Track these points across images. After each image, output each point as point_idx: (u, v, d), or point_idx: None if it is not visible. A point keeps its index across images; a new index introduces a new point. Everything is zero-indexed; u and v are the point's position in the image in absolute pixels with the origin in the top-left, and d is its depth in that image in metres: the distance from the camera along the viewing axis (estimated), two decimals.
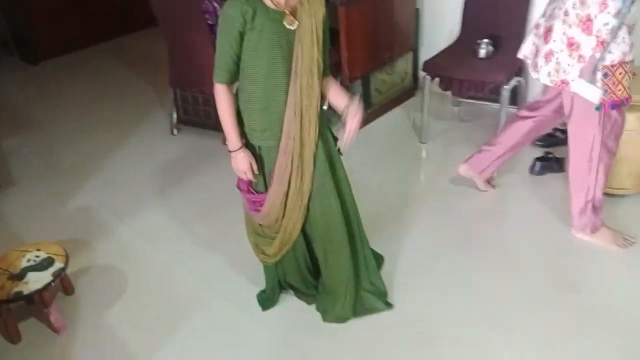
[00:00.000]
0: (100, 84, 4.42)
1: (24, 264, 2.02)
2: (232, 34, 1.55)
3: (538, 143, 2.97)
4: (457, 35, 3.14)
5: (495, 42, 2.83)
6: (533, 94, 3.19)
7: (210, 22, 3.11)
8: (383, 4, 3.09)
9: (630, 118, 2.28)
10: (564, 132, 2.89)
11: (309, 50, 1.59)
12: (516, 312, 2.03)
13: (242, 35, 1.55)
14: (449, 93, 3.31)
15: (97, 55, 5.04)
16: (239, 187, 1.84)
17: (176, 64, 3.26)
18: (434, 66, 2.88)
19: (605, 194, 2.47)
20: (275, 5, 1.55)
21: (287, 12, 1.56)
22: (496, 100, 3.14)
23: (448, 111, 3.43)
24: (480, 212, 2.57)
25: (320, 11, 1.60)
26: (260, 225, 1.89)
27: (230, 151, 1.74)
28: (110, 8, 5.25)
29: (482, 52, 2.80)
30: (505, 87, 2.70)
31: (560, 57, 2.06)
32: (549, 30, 2.09)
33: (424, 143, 3.10)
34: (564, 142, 2.88)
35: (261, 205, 1.80)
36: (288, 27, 1.57)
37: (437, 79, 2.93)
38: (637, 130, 2.31)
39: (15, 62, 5.00)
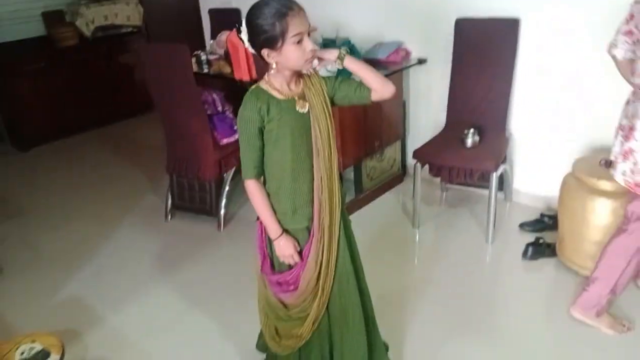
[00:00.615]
0: (92, 170, 4.47)
1: (17, 357, 1.95)
2: (253, 132, 1.62)
3: (526, 228, 3.06)
4: (441, 125, 3.31)
5: (480, 131, 2.99)
6: (517, 180, 3.34)
7: (209, 112, 3.24)
8: None
9: (616, 205, 2.39)
10: (551, 217, 3.02)
11: (325, 127, 1.68)
12: None
13: (261, 130, 1.63)
14: (436, 179, 3.45)
15: (89, 142, 5.14)
16: (264, 272, 1.85)
17: (174, 150, 3.33)
18: (424, 154, 3.01)
19: None
20: (284, 95, 1.64)
21: (297, 98, 1.66)
22: (481, 186, 3.28)
23: (436, 196, 3.53)
24: (478, 298, 2.58)
25: (323, 86, 1.71)
26: (286, 308, 1.86)
27: (273, 240, 1.75)
28: (102, 96, 5.42)
29: (469, 142, 2.94)
30: (494, 174, 2.82)
31: (639, 157, 2.02)
32: (631, 129, 2.06)
33: (417, 228, 3.17)
34: (551, 227, 3.00)
35: (292, 284, 1.80)
36: (301, 111, 1.66)
37: (426, 166, 3.05)
38: (617, 217, 2.39)
39: (7, 149, 5.04)
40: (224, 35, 3.70)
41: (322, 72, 3.07)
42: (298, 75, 1.67)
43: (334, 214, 1.76)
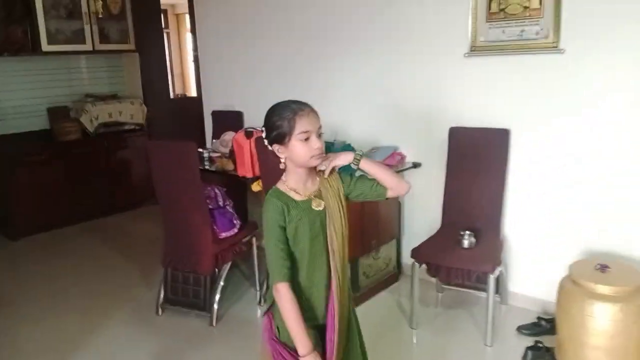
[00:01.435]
0: (84, 262, 4.41)
1: None
2: (278, 231, 1.66)
3: (524, 332, 3.04)
4: (436, 226, 3.39)
5: (475, 233, 3.07)
6: (512, 282, 3.37)
7: (210, 206, 3.29)
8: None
9: (615, 309, 2.42)
10: (549, 321, 3.01)
11: (339, 226, 1.73)
12: None
13: (284, 229, 1.67)
14: (432, 280, 3.47)
15: (83, 233, 5.11)
16: None
17: (172, 243, 3.34)
18: (422, 253, 3.05)
19: None
20: (301, 195, 1.71)
21: (313, 197, 1.72)
22: (477, 288, 3.30)
23: (432, 297, 3.52)
24: None
25: (340, 185, 1.78)
26: None
27: (302, 355, 1.66)
28: (100, 189, 5.48)
29: (466, 243, 3.01)
30: (491, 275, 2.86)
31: None
32: None
33: (415, 329, 3.13)
34: (549, 331, 2.99)
35: None
36: (317, 209, 1.71)
37: (423, 266, 3.08)
38: (623, 321, 2.42)
39: None
40: (228, 135, 3.87)
41: None
42: (314, 174, 1.75)
43: (345, 313, 1.78)
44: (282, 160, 1.69)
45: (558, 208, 3.12)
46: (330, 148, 3.37)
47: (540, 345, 2.80)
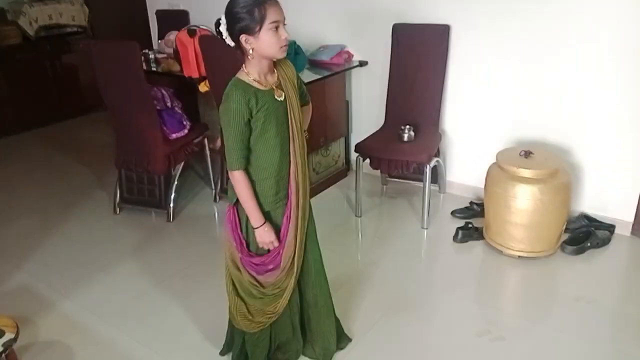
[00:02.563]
0: (35, 169, 4.43)
1: None
2: (241, 124, 1.72)
3: (458, 215, 3.33)
4: (381, 123, 3.55)
5: (416, 128, 3.24)
6: (450, 172, 3.62)
7: (158, 108, 3.33)
8: (318, 96, 3.47)
9: (534, 190, 2.69)
10: (479, 205, 3.30)
11: (298, 114, 1.84)
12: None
13: (249, 122, 1.74)
14: (378, 173, 3.69)
15: (30, 142, 5.07)
16: (242, 255, 1.94)
17: (123, 145, 3.40)
18: (365, 148, 3.23)
19: (521, 257, 2.84)
20: (264, 85, 1.77)
21: (274, 87, 1.80)
22: (418, 179, 3.54)
23: (377, 189, 3.77)
24: (415, 278, 2.81)
25: (294, 76, 1.88)
26: (260, 287, 1.98)
27: (255, 228, 1.86)
28: (45, 96, 5.36)
29: (405, 136, 3.19)
30: (427, 165, 3.07)
31: None
32: None
33: (359, 217, 3.38)
34: (479, 214, 3.28)
35: (271, 264, 1.93)
36: (279, 99, 1.79)
37: (367, 160, 3.27)
38: (541, 200, 2.70)
39: None
40: (172, 35, 3.81)
41: None
42: (273, 65, 1.81)
43: (306, 195, 1.93)
44: (250, 52, 1.72)
45: (491, 103, 3.31)
46: None
47: (470, 225, 3.09)
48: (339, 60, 3.63)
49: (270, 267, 1.95)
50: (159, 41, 4.22)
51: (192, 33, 3.30)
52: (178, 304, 2.63)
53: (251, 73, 1.75)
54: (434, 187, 3.60)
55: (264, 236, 1.88)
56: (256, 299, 2.01)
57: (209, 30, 3.41)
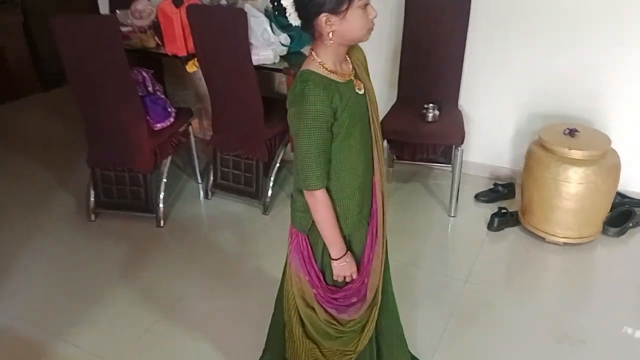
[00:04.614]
0: None
1: None
2: (324, 132, 1.34)
3: (482, 199, 3.09)
4: (391, 102, 3.19)
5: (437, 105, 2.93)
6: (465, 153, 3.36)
7: (140, 94, 2.78)
8: None
9: (588, 172, 2.48)
10: (505, 186, 3.07)
11: (376, 111, 1.48)
12: None
13: (332, 125, 1.35)
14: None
15: None
16: (318, 291, 1.57)
17: (99, 141, 2.83)
18: (384, 130, 2.87)
19: (566, 244, 2.65)
20: (342, 77, 1.38)
21: (353, 79, 1.42)
22: (430, 160, 3.24)
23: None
24: (462, 275, 2.54)
25: (364, 59, 1.50)
26: (339, 324, 1.61)
27: (336, 259, 1.49)
28: None
29: (430, 116, 2.86)
30: (460, 147, 2.78)
31: None
32: None
33: None
34: (506, 195, 3.06)
35: (354, 297, 1.57)
36: (360, 93, 1.42)
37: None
38: (595, 182, 2.49)
39: None
40: (141, 4, 3.21)
41: (277, 47, 2.78)
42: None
43: (386, 208, 1.57)
44: (330, 35, 1.31)
45: (509, 76, 3.05)
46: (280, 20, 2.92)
47: (505, 211, 2.86)
48: None
49: (354, 300, 1.59)
50: (117, 11, 3.55)
51: (178, 3, 2.75)
52: (203, 340, 2.19)
53: (326, 62, 1.36)
54: (447, 168, 3.32)
55: (345, 269, 1.51)
56: (333, 339, 1.65)
57: None
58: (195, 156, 3.29)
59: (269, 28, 2.69)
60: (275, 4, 1.36)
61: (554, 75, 2.93)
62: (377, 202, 1.54)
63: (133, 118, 2.71)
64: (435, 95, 3.04)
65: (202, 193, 3.26)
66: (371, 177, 1.52)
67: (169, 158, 2.98)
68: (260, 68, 2.75)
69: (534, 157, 2.66)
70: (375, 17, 1.33)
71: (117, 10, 3.55)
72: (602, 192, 2.55)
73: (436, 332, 2.18)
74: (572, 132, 2.61)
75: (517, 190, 3.09)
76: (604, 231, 2.73)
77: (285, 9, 1.35)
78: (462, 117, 3.05)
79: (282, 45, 2.78)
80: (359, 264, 1.55)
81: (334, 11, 1.27)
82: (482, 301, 2.37)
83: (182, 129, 3.07)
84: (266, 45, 2.72)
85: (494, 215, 2.84)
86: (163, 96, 2.96)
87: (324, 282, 1.57)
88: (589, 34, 2.76)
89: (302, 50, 2.93)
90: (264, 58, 2.74)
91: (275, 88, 3.35)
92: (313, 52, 1.37)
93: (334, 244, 1.48)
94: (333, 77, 1.36)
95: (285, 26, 2.83)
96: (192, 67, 2.90)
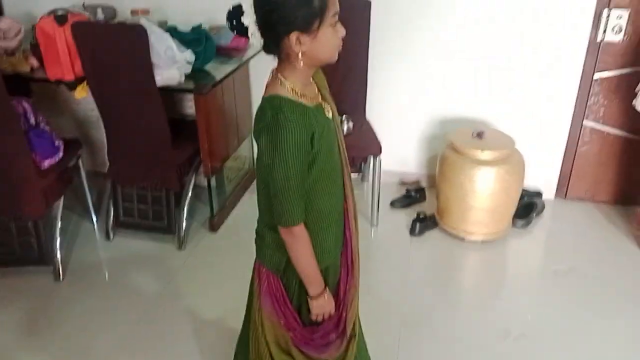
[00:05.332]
0: None
1: None
2: (303, 162, 1.22)
3: (397, 205, 3.15)
4: None
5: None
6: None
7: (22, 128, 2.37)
8: (229, 92, 2.90)
9: (500, 171, 2.63)
10: (417, 191, 3.17)
11: (341, 134, 1.41)
12: None
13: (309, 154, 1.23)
14: None
15: None
16: (294, 332, 1.42)
17: None
18: None
19: (485, 241, 2.79)
20: (311, 101, 1.27)
21: (322, 102, 1.32)
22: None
23: None
24: (397, 283, 2.55)
25: (324, 79, 1.42)
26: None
27: (313, 297, 1.36)
28: None
29: (345, 129, 2.84)
30: (379, 157, 2.79)
31: None
32: None
33: None
34: (419, 200, 3.16)
35: (333, 333, 1.46)
36: (329, 117, 1.33)
37: None
38: (506, 180, 2.66)
39: None
40: (4, 23, 2.76)
41: (182, 65, 2.55)
42: None
43: (358, 234, 1.48)
44: (300, 56, 1.19)
45: (409, 83, 3.15)
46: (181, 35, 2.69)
47: (423, 215, 2.93)
48: (240, 44, 3.05)
49: (333, 336, 1.49)
50: None
51: (61, 20, 2.39)
52: None
53: (296, 86, 1.25)
54: (354, 176, 3.34)
55: (325, 305, 1.41)
56: None
57: (82, 14, 2.52)
58: (87, 192, 2.91)
59: (173, 45, 2.46)
60: (234, 22, 1.21)
61: (452, 80, 3.08)
62: (351, 230, 1.46)
63: (16, 157, 2.31)
64: (343, 108, 3.02)
65: (98, 234, 2.89)
66: (343, 204, 1.43)
67: (62, 198, 2.59)
68: (164, 89, 2.50)
69: (447, 161, 2.76)
70: (343, 35, 1.24)
71: None
72: (512, 189, 2.72)
73: (390, 343, 2.15)
74: (480, 135, 2.76)
75: (428, 193, 3.20)
76: (514, 224, 2.92)
77: (246, 27, 1.22)
78: (371, 126, 3.08)
79: (187, 63, 2.55)
80: (335, 297, 1.45)
81: (305, 30, 1.17)
82: (424, 306, 2.40)
83: (71, 163, 2.69)
84: (170, 64, 2.48)
85: (414, 221, 2.90)
86: (48, 129, 2.56)
87: (300, 325, 1.45)
88: (487, 38, 2.94)
89: (206, 67, 2.74)
90: (168, 78, 2.49)
91: (180, 109, 3.08)
92: (280, 75, 1.26)
93: (313, 280, 1.37)
94: (303, 101, 1.25)
95: (188, 42, 2.62)
96: (81, 92, 2.55)
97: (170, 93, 2.71)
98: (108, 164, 2.74)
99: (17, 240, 2.49)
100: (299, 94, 1.24)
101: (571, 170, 3.13)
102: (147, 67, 2.36)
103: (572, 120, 3.01)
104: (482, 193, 2.68)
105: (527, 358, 2.13)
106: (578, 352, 2.16)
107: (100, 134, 3.21)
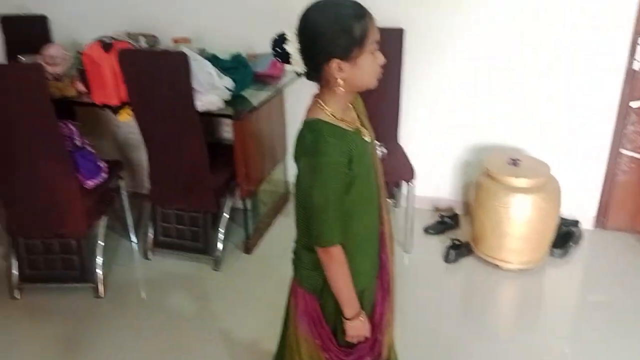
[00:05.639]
0: None
1: None
2: (340, 184, 1.25)
3: (431, 232, 3.13)
4: None
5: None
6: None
7: (68, 149, 2.48)
8: (264, 118, 2.96)
9: (536, 199, 2.60)
10: (451, 217, 3.15)
11: (378, 159, 1.43)
12: None
13: (346, 177, 1.27)
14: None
15: None
16: (333, 355, 1.44)
17: (18, 204, 2.46)
18: None
19: (521, 270, 2.75)
20: (349, 125, 1.30)
21: (360, 126, 1.35)
22: None
23: None
24: (432, 313, 2.52)
25: (362, 105, 1.45)
26: None
27: (349, 319, 1.37)
28: None
29: (380, 154, 2.86)
30: (412, 181, 2.80)
31: None
32: None
33: None
34: (452, 227, 3.14)
35: (368, 356, 1.46)
36: (368, 141, 1.36)
37: None
38: (543, 208, 2.62)
39: None
40: (53, 49, 2.91)
41: (222, 91, 2.63)
42: None
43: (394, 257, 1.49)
44: (340, 82, 1.23)
45: (444, 110, 3.16)
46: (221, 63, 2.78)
47: (458, 242, 2.91)
48: (276, 71, 3.13)
49: (369, 352, 1.49)
50: (21, 58, 3.19)
51: (107, 47, 2.51)
52: None
53: (335, 111, 1.28)
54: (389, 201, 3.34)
55: (360, 328, 1.41)
56: None
57: (127, 42, 2.64)
58: (127, 213, 2.99)
59: (213, 72, 2.54)
60: (279, 50, 1.25)
61: (487, 106, 3.08)
62: (387, 253, 1.47)
63: (62, 177, 2.41)
64: (377, 133, 3.05)
65: (137, 253, 2.96)
66: (380, 228, 1.45)
67: (104, 218, 2.67)
68: (203, 114, 2.58)
69: (482, 188, 2.75)
70: (383, 62, 1.28)
71: (20, 57, 3.18)
72: (548, 216, 2.69)
73: None
74: (515, 162, 2.74)
75: (461, 220, 3.18)
76: (551, 253, 2.87)
77: (289, 55, 1.27)
78: (404, 152, 3.09)
79: (227, 89, 2.63)
80: (371, 320, 1.46)
81: (345, 57, 1.21)
82: (457, 334, 2.36)
83: (113, 184, 2.79)
84: (210, 90, 2.56)
85: (449, 248, 2.88)
86: (92, 150, 2.66)
87: (336, 344, 1.45)
88: (522, 64, 2.94)
89: (244, 94, 2.81)
90: (208, 104, 2.57)
91: (218, 133, 3.17)
92: (320, 100, 1.29)
93: (349, 302, 1.37)
94: (343, 125, 1.28)
95: (226, 69, 2.70)
96: (125, 116, 2.65)
97: (208, 118, 2.79)
98: (149, 185, 2.82)
99: (59, 258, 2.58)
100: (338, 119, 1.27)
101: (610, 200, 3.07)
102: (188, 93, 2.44)
103: (611, 149, 2.97)
104: (518, 220, 2.65)
105: None
106: None
107: (139, 156, 3.32)
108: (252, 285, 2.70)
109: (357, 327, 1.40)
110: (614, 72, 2.82)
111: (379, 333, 1.47)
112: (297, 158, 1.28)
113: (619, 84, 2.84)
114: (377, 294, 1.47)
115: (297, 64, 1.26)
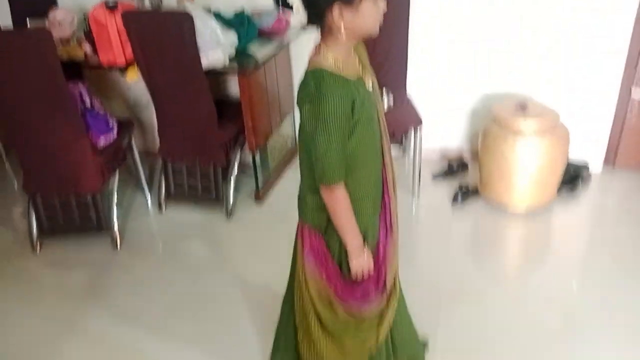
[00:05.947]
0: None
1: None
2: (343, 130, 1.28)
3: (439, 178, 3.16)
4: None
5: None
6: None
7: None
8: (271, 73, 2.98)
9: (545, 142, 2.60)
10: (459, 164, 3.17)
11: (381, 106, 1.45)
12: None
13: (349, 123, 1.30)
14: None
15: None
16: (338, 288, 1.51)
17: (34, 164, 2.55)
18: None
19: (528, 212, 2.77)
20: (353, 74, 1.33)
21: (362, 75, 1.38)
22: None
23: None
24: (443, 255, 2.58)
25: (365, 52, 1.46)
26: (361, 320, 1.57)
27: (352, 254, 1.44)
28: None
29: (386, 101, 2.87)
30: (418, 129, 2.81)
31: None
32: None
33: None
34: (461, 172, 3.16)
35: (374, 289, 1.53)
36: (370, 90, 1.38)
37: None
38: (550, 152, 2.64)
39: None
40: (60, 13, 2.94)
41: (227, 49, 2.65)
42: None
43: (396, 190, 1.55)
44: (342, 29, 1.25)
45: (453, 57, 3.13)
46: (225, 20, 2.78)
47: (465, 186, 2.94)
48: (281, 27, 3.12)
49: (373, 292, 1.55)
50: (28, 21, 3.24)
51: (112, 8, 2.53)
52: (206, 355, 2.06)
53: (338, 59, 1.30)
54: (396, 148, 3.36)
55: (365, 262, 1.47)
56: (352, 337, 1.61)
57: (131, 3, 2.66)
58: (140, 169, 3.07)
59: (217, 28, 2.55)
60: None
61: (495, 54, 3.04)
62: (390, 195, 1.51)
63: (74, 137, 2.48)
64: (385, 82, 3.04)
65: (151, 207, 3.05)
66: (382, 170, 1.49)
67: (117, 174, 2.76)
68: (209, 72, 2.60)
69: (490, 133, 2.74)
70: (385, 9, 1.29)
71: (28, 20, 3.23)
72: (557, 160, 2.69)
73: (431, 314, 2.19)
74: (523, 107, 2.72)
75: (470, 167, 3.19)
76: (559, 192, 2.87)
77: (284, 2, 1.29)
78: (412, 100, 3.09)
79: (231, 44, 2.64)
80: (374, 257, 1.52)
81: (347, 3, 1.22)
82: (465, 276, 2.42)
83: (125, 142, 2.86)
84: (215, 46, 2.58)
85: (456, 192, 2.91)
86: (102, 109, 2.72)
87: (342, 278, 1.52)
88: (531, 13, 2.89)
89: (248, 50, 2.82)
90: (213, 61, 2.59)
91: (225, 90, 3.21)
92: (323, 48, 1.31)
93: (355, 240, 1.43)
94: (345, 73, 1.30)
95: (230, 25, 2.71)
96: (132, 75, 2.70)
97: (214, 75, 2.83)
98: (159, 142, 2.88)
99: (77, 213, 2.68)
100: (340, 66, 1.29)
101: (619, 141, 3.05)
102: (193, 52, 2.46)
103: (620, 91, 2.94)
104: (525, 164, 2.65)
105: (572, 328, 2.12)
106: (623, 321, 2.13)
107: (150, 116, 3.38)
108: (263, 231, 2.78)
109: (360, 263, 1.46)
110: (613, 55, 2.80)
111: (383, 266, 1.53)
112: (300, 105, 1.31)
113: (620, 68, 2.82)
114: (380, 232, 1.52)
115: (300, 11, 1.27)
